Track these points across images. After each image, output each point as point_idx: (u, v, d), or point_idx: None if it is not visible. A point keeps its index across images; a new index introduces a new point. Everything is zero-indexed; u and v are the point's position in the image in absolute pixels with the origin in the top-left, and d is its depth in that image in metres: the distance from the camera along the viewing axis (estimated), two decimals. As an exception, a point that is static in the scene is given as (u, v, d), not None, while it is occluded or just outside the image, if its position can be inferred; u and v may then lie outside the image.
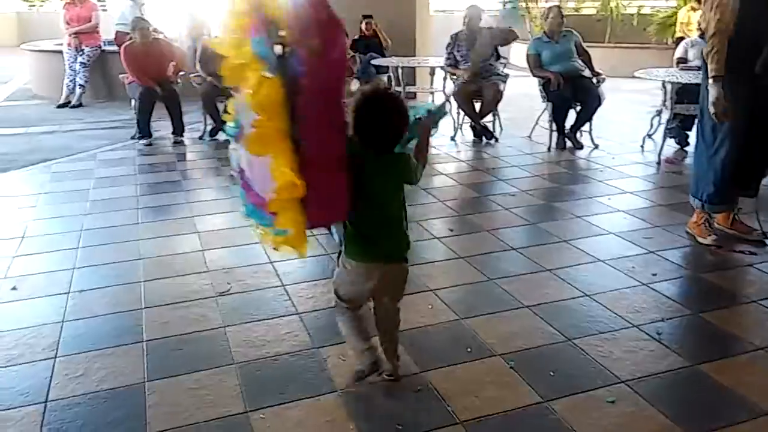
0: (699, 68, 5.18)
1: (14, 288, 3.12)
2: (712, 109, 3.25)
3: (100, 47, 8.49)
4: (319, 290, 3.02)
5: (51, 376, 2.36)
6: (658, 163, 5.32)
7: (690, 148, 5.42)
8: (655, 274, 3.14)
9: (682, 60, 5.93)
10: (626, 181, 4.77)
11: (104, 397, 2.24)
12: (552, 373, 2.33)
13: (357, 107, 1.99)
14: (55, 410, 2.17)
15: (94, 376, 2.36)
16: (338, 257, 2.22)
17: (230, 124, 1.87)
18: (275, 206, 1.46)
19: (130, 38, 6.40)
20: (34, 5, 19.95)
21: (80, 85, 8.34)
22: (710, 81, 3.23)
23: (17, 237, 3.77)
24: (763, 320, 2.75)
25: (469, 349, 2.49)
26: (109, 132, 6.81)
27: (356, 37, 7.99)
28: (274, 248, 1.96)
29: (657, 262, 3.30)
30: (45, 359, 2.48)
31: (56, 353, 2.52)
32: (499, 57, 6.31)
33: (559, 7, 6.31)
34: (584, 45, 5.98)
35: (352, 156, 1.97)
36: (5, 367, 2.44)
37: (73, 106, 8.25)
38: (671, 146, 5.62)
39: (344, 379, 2.30)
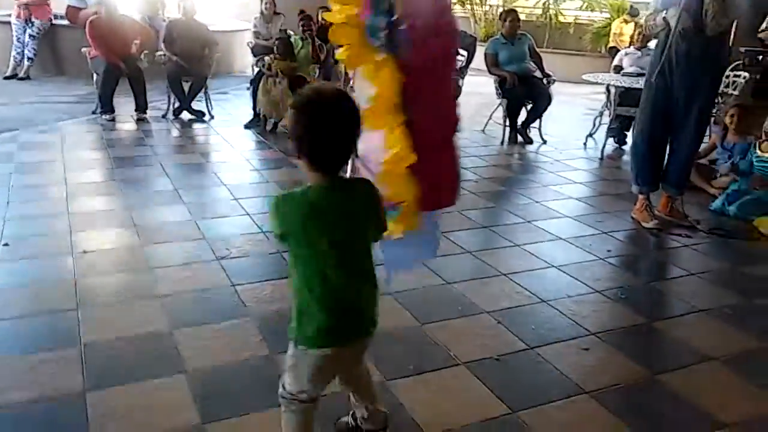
0: (638, 75, 5.80)
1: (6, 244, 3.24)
2: None
3: (50, 21, 8.30)
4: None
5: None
6: (601, 158, 5.85)
7: (627, 147, 6.01)
8: (609, 250, 3.59)
9: (619, 68, 6.51)
10: (574, 173, 5.25)
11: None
12: (533, 327, 2.70)
13: (304, 113, 1.42)
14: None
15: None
16: (294, 344, 1.61)
17: None
18: (386, 178, 1.43)
19: (95, 13, 6.36)
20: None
21: (29, 57, 8.13)
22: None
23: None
24: (700, 286, 3.25)
25: (460, 307, 2.83)
26: (67, 106, 6.73)
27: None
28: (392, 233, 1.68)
29: (609, 240, 3.76)
30: None
31: None
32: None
33: (515, 11, 6.76)
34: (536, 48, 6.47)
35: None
36: None
37: (21, 79, 8.05)
38: (611, 144, 6.17)
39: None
